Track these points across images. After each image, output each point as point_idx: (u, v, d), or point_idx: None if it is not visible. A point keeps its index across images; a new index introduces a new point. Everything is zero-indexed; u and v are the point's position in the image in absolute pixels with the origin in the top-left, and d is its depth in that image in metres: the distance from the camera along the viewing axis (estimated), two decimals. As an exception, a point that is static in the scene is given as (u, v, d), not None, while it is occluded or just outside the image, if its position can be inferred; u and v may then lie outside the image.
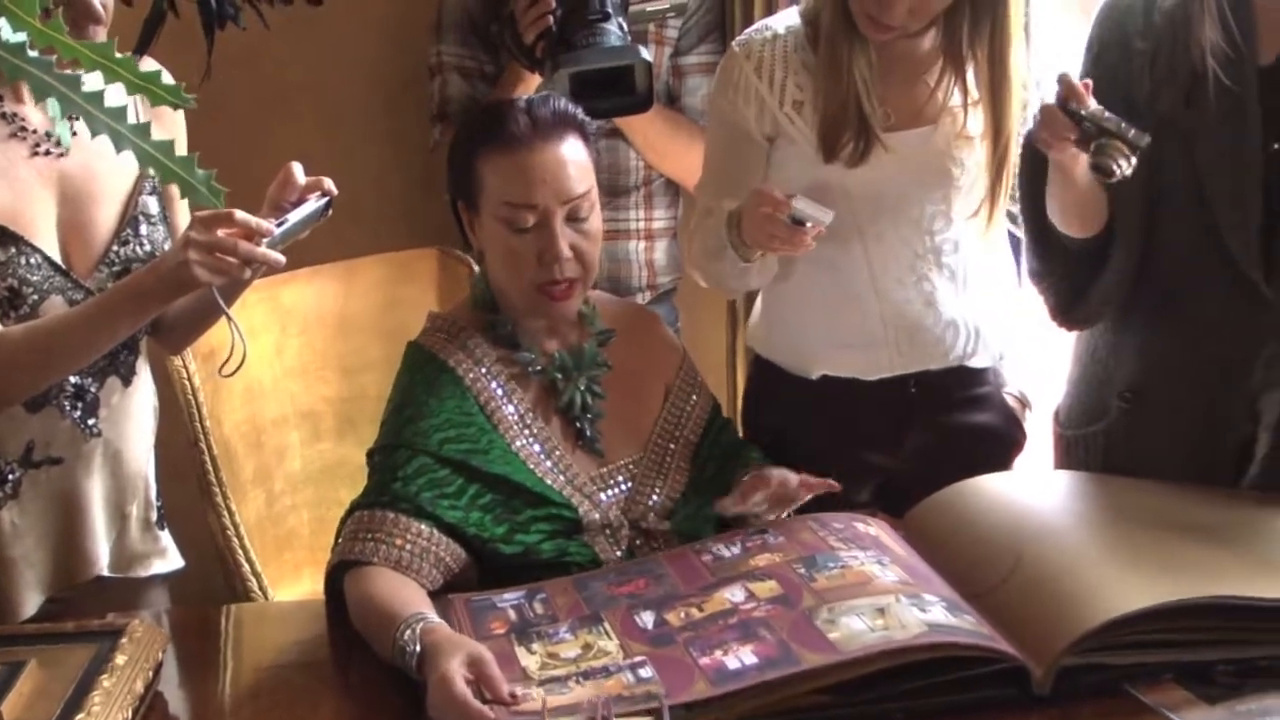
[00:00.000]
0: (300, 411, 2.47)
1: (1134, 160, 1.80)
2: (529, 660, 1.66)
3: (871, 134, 2.09)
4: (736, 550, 1.86)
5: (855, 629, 1.61)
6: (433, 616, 1.70)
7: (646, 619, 1.72)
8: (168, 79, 1.15)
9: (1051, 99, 1.87)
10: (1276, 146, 1.92)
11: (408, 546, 1.84)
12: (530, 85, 2.48)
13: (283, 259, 1.83)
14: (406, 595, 1.77)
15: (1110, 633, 1.59)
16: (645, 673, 1.60)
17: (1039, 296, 2.17)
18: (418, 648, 1.62)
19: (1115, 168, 1.79)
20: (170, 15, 2.16)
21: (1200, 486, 1.99)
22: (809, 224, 1.95)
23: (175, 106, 1.11)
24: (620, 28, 2.32)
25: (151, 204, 2.07)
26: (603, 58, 2.26)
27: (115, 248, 2.01)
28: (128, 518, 2.15)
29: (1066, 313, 2.13)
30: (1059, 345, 2.33)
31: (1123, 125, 1.79)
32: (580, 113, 1.98)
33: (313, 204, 1.88)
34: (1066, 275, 2.10)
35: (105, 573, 2.12)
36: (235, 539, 2.25)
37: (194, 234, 1.79)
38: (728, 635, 1.65)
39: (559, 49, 2.31)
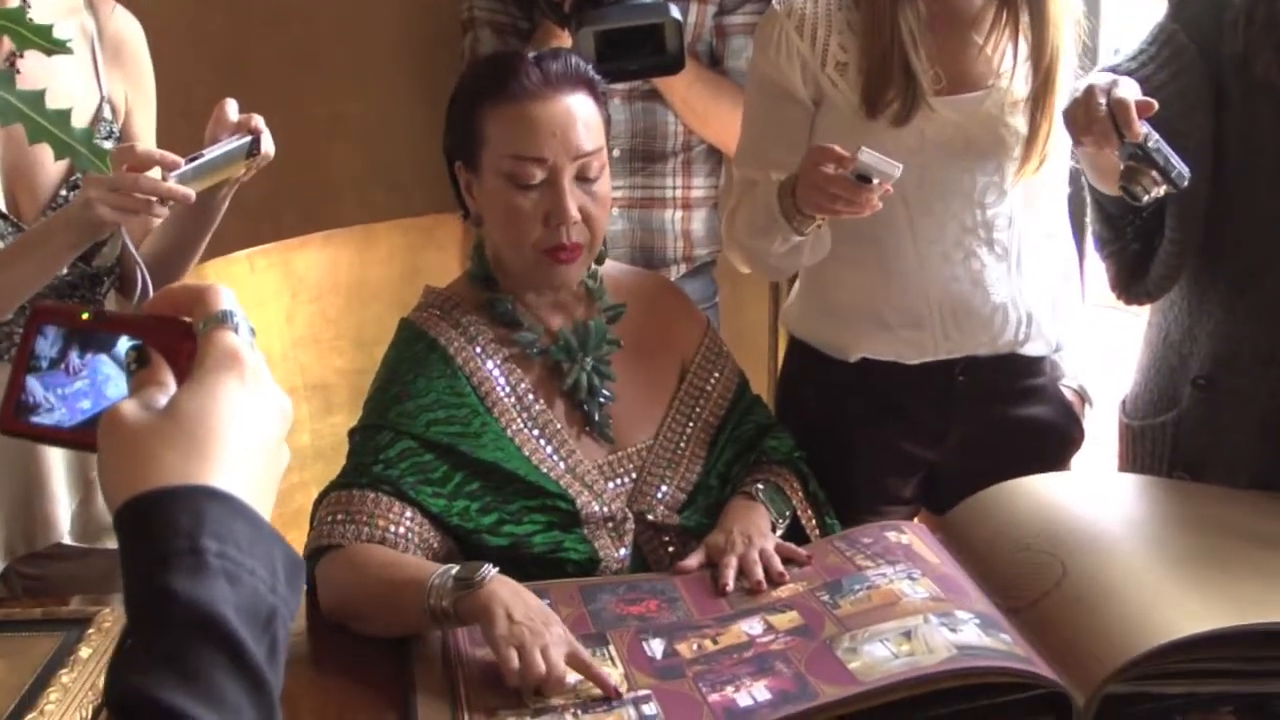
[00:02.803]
0: (311, 384, 2.37)
1: (1164, 191, 1.69)
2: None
3: (919, 91, 1.93)
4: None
5: (878, 656, 1.49)
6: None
7: (655, 647, 1.58)
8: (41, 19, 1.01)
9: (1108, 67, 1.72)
10: None
11: (391, 528, 1.72)
12: (564, 44, 2.34)
13: (191, 194, 1.75)
14: (418, 560, 1.67)
15: (1163, 658, 1.45)
16: (649, 709, 1.47)
17: (1103, 266, 2.03)
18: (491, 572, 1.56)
19: (1144, 195, 1.69)
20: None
21: (1277, 495, 1.82)
22: (875, 180, 1.78)
23: (48, 52, 0.97)
24: None
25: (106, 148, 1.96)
26: (629, 15, 2.14)
27: (64, 192, 1.93)
28: (93, 484, 2.05)
29: (1127, 285, 1.99)
30: (1126, 335, 2.16)
31: (1171, 161, 1.68)
32: (591, 70, 1.84)
33: (232, 141, 1.81)
34: (1129, 242, 1.95)
35: (66, 539, 2.03)
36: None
37: (94, 173, 1.71)
38: (741, 670, 1.52)
39: (586, 5, 2.19)
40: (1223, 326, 1.93)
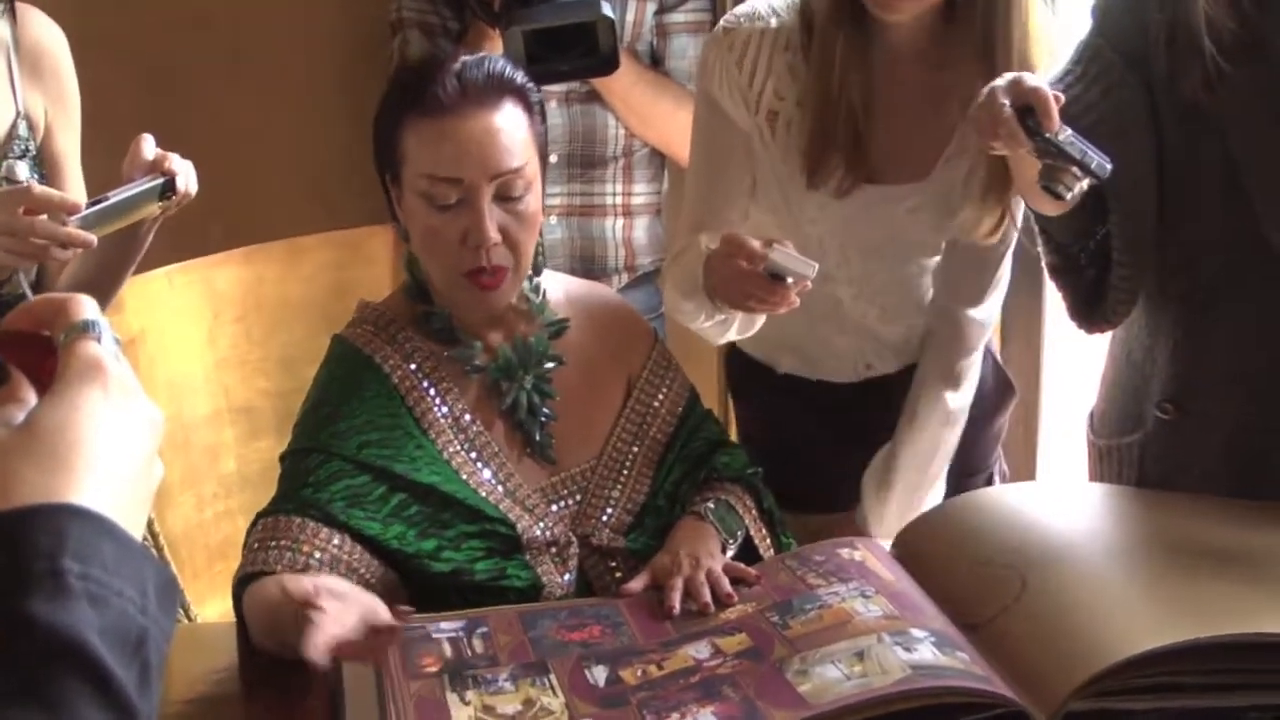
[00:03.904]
0: (235, 407, 2.29)
1: (1087, 184, 1.61)
2: (461, 714, 1.44)
3: (865, 162, 1.84)
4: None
5: (830, 678, 1.43)
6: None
7: (598, 674, 1.51)
8: None
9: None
10: None
11: (315, 554, 1.64)
12: (496, 45, 2.27)
13: (92, 239, 1.68)
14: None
15: (1126, 673, 1.39)
16: None
17: (1060, 295, 1.95)
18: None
19: (1067, 192, 1.61)
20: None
21: (1244, 503, 1.77)
22: (790, 279, 1.70)
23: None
24: None
25: (20, 169, 1.88)
26: (560, 14, 2.08)
27: None
28: None
29: (1086, 315, 1.90)
30: (1091, 346, 2.11)
31: (1088, 153, 1.59)
32: (520, 77, 1.75)
33: (144, 183, 1.73)
34: (1085, 269, 1.88)
35: None
36: (156, 551, 2.04)
37: None
38: (687, 695, 1.45)
39: (515, 4, 2.12)
40: (1182, 348, 1.86)
